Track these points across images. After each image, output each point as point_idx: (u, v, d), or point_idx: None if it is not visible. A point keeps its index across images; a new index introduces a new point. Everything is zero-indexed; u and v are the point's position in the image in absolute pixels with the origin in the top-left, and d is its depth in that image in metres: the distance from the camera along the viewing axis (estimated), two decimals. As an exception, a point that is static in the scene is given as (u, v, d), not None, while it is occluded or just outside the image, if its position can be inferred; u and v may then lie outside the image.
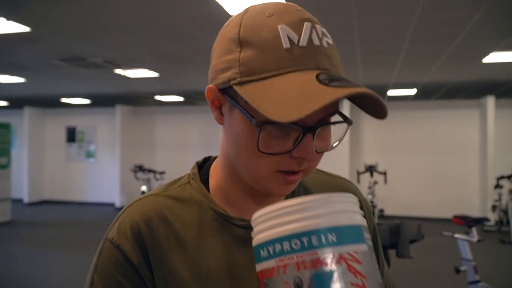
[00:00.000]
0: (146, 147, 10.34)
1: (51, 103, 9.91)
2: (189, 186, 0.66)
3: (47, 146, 10.91)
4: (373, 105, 0.53)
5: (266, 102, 0.49)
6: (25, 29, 3.72)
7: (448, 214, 6.11)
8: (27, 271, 5.02)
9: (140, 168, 8.83)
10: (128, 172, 9.61)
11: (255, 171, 0.56)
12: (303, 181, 0.71)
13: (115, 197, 9.88)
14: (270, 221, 0.46)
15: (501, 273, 4.64)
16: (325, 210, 0.44)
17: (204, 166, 0.70)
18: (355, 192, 0.73)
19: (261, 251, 0.45)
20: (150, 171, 8.92)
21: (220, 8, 3.20)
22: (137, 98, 9.01)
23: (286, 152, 0.53)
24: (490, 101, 7.94)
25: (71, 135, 10.81)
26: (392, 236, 1.92)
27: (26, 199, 10.25)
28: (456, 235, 3.22)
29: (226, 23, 0.59)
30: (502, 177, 7.30)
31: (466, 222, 3.23)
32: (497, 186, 7.45)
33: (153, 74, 6.05)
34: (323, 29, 0.55)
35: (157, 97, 8.85)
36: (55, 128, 10.90)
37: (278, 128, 0.52)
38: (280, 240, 0.44)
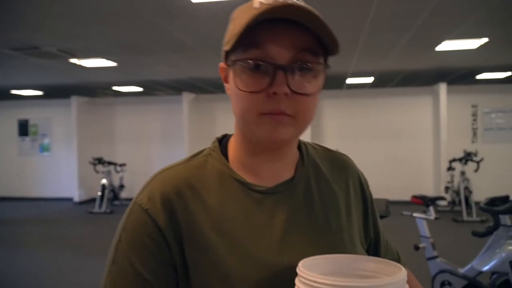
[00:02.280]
0: (105, 139, 10.06)
1: (1, 95, 9.41)
2: (211, 157, 0.72)
3: (-2, 140, 10.38)
4: (326, 36, 0.61)
5: (227, 40, 0.63)
6: (-28, 16, 3.52)
7: (405, 196, 6.37)
8: (-17, 271, 4.81)
9: (100, 161, 8.60)
10: (86, 165, 9.33)
11: (247, 119, 0.64)
12: (312, 155, 0.78)
13: (73, 192, 9.58)
14: None
15: (456, 249, 4.93)
16: None
17: (222, 141, 0.76)
18: (354, 166, 0.82)
19: None
20: (110, 163, 8.71)
21: (182, -4, 3.16)
22: (94, 88, 8.73)
23: (263, 91, 0.61)
24: (443, 88, 8.32)
25: (24, 129, 10.31)
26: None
27: (-23, 197, 9.76)
28: (415, 214, 3.40)
29: None
30: (454, 160, 7.70)
31: (424, 201, 3.42)
32: (450, 168, 7.85)
33: (111, 63, 5.88)
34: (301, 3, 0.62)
35: (115, 88, 8.61)
36: (6, 121, 10.35)
37: (249, 67, 0.61)
38: None
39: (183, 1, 3.27)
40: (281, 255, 0.65)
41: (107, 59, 5.59)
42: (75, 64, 5.84)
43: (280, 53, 0.60)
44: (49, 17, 3.67)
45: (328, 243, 0.69)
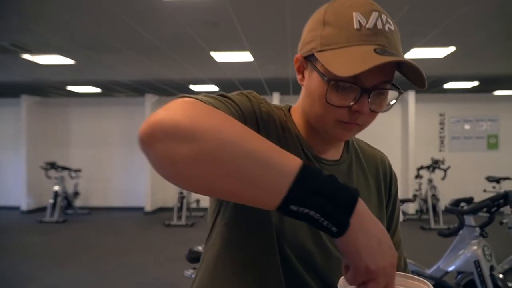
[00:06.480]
0: (59, 143, 9.84)
1: None
2: (283, 112, 0.90)
3: None
4: (415, 75, 0.75)
5: (335, 63, 0.72)
6: None
7: (374, 204, 6.69)
8: None
9: (53, 166, 8.43)
10: (36, 171, 9.10)
11: (323, 119, 0.80)
12: (355, 146, 0.98)
13: (20, 199, 9.31)
14: None
15: (424, 253, 5.21)
16: None
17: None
18: (388, 163, 1.02)
19: None
20: (64, 168, 8.55)
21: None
22: (46, 88, 8.57)
23: (347, 106, 0.76)
24: (411, 96, 8.76)
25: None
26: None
27: None
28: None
29: (315, 12, 0.83)
30: (421, 167, 8.11)
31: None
32: (417, 176, 8.26)
33: (69, 61, 5.85)
34: (388, 19, 0.77)
35: (70, 88, 8.49)
36: None
37: (342, 87, 0.74)
38: None
39: (156, 2, 3.36)
40: None
41: (64, 56, 5.55)
42: (28, 61, 5.76)
43: (368, 79, 0.74)
44: (2, 8, 3.65)
45: None
